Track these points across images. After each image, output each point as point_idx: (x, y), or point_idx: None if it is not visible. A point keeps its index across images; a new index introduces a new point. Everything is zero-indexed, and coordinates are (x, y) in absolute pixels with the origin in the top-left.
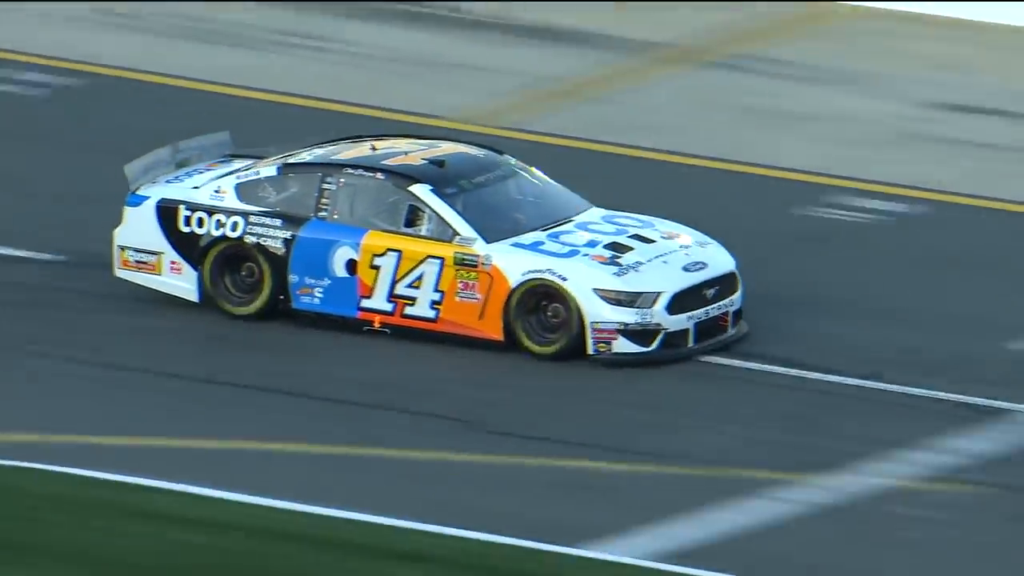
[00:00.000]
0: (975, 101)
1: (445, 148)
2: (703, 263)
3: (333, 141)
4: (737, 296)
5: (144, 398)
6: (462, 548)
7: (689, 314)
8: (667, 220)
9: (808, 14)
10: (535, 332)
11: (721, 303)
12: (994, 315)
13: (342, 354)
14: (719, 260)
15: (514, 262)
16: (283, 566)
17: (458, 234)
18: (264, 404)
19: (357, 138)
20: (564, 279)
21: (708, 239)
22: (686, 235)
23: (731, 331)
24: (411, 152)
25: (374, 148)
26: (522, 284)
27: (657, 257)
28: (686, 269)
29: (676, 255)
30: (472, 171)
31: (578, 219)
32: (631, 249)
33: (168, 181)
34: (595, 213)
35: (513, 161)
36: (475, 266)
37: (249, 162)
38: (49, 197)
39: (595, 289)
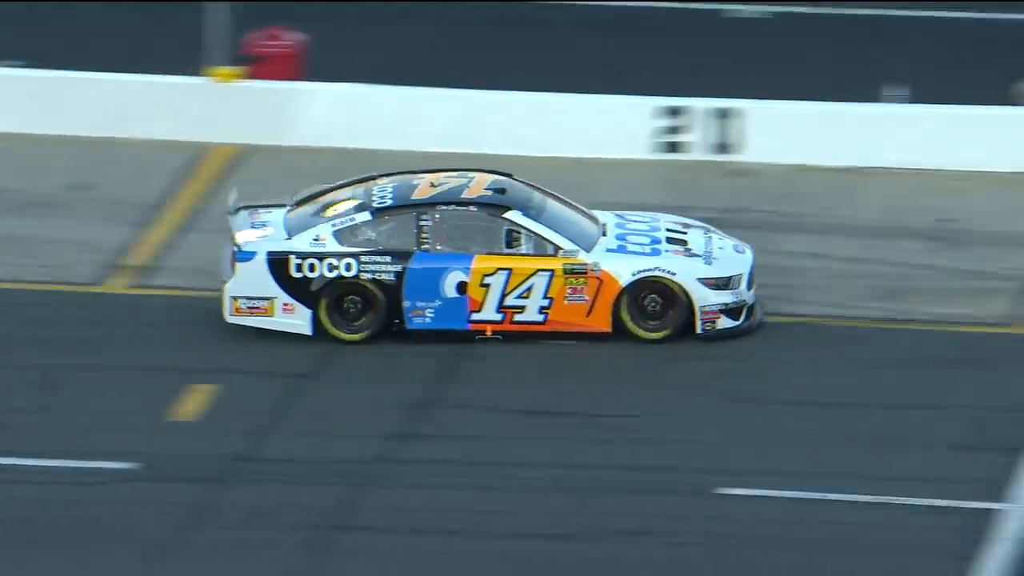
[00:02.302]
0: None
1: (480, 177)
2: (741, 245)
3: (353, 182)
4: None
5: None
6: None
7: (752, 289)
8: (662, 213)
9: None
10: (643, 321)
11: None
12: None
13: None
14: (740, 241)
15: (621, 265)
16: None
17: (561, 248)
18: None
19: (372, 178)
20: (673, 274)
21: (708, 225)
22: (695, 224)
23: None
24: (470, 184)
25: (433, 185)
26: (633, 282)
27: (709, 244)
28: (737, 251)
29: (718, 241)
30: (525, 194)
31: (612, 223)
32: (685, 242)
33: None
34: (609, 216)
35: (524, 180)
36: (584, 273)
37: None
38: None
39: (699, 278)
